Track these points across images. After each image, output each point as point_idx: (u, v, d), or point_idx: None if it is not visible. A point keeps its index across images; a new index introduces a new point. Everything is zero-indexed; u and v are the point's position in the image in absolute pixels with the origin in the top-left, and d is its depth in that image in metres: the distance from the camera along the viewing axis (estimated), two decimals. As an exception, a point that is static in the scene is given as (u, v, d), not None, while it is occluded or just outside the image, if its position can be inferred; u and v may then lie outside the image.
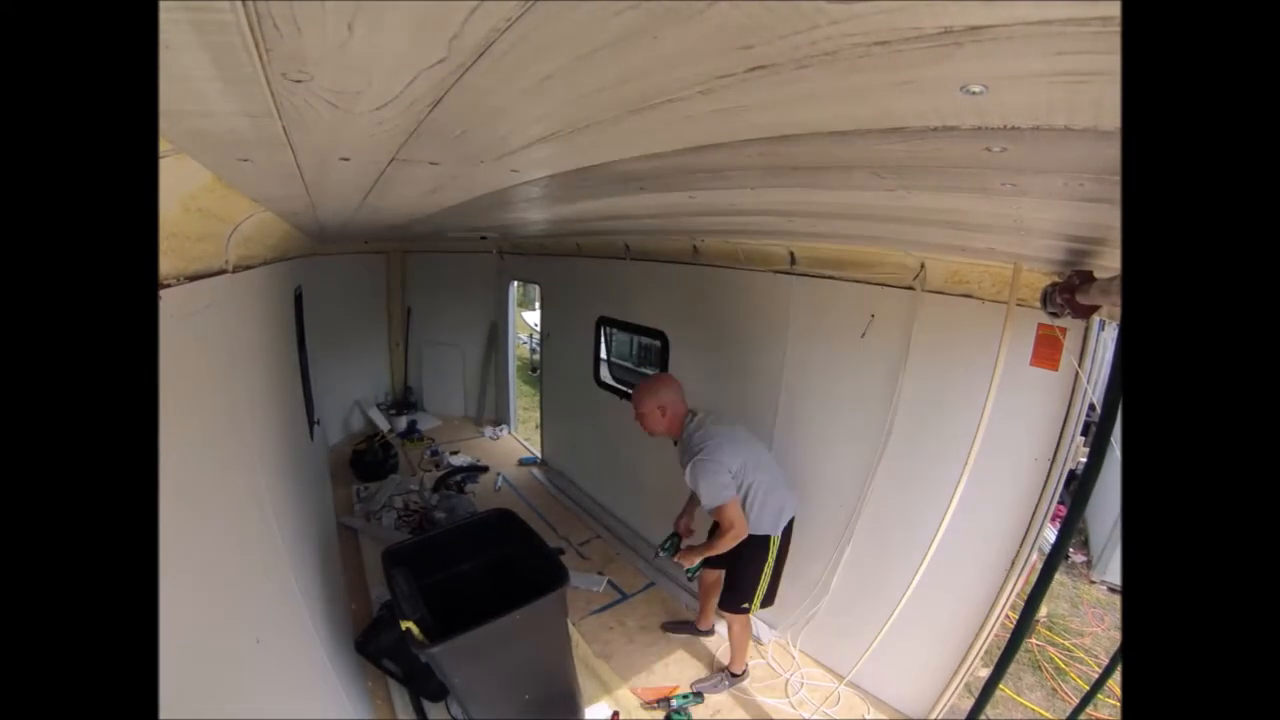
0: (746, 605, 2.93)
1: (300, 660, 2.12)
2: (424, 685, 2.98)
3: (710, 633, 3.56)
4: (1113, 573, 5.37)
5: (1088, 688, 2.35)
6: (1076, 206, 1.11)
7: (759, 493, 2.76)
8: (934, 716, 2.82)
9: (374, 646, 3.15)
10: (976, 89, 0.54)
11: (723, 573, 3.10)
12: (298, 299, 4.00)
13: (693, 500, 3.13)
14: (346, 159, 1.12)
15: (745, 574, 2.90)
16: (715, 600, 3.29)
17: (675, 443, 2.93)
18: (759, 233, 2.82)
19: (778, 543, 2.86)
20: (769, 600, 2.98)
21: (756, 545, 2.81)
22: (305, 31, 0.49)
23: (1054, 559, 2.14)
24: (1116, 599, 5.14)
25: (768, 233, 2.76)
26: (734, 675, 3.22)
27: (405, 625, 2.23)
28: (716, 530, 2.83)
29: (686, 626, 3.65)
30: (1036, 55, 0.46)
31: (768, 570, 2.88)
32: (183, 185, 1.12)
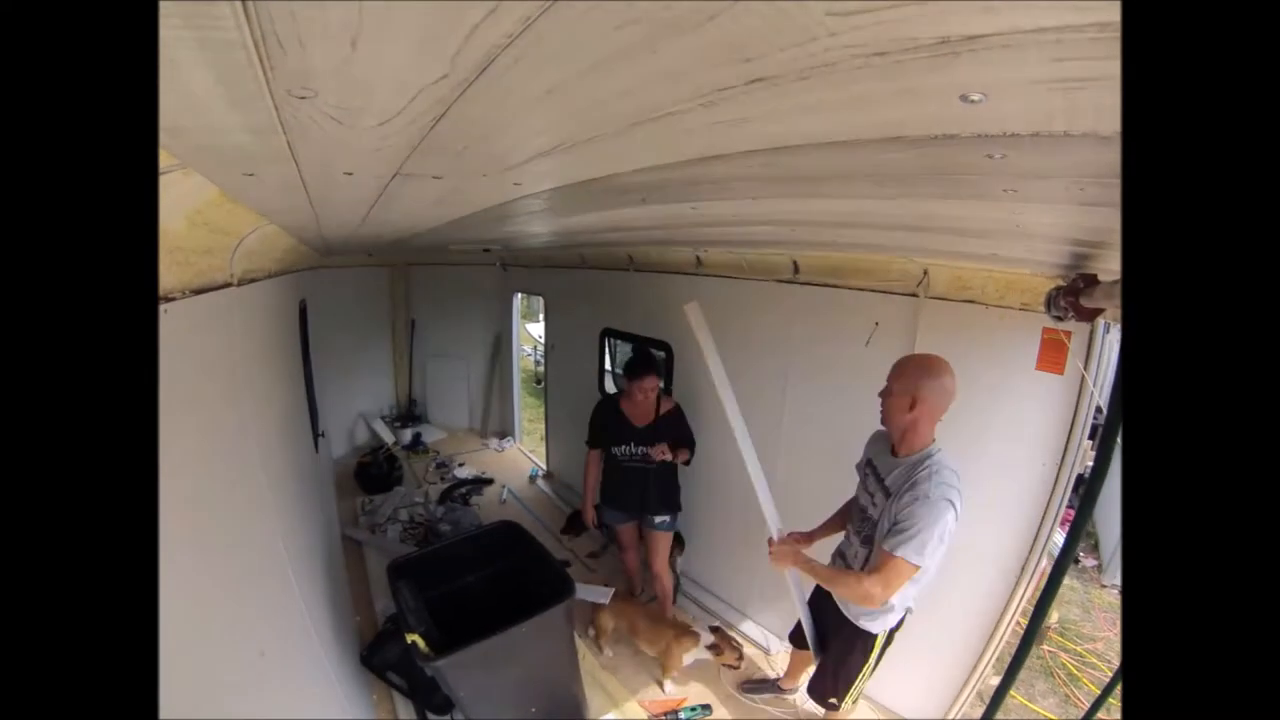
0: (835, 701, 2.49)
1: (305, 673, 2.11)
2: (429, 698, 2.97)
3: (795, 691, 3.14)
4: (1124, 578, 5.33)
5: (1100, 692, 2.32)
6: (1078, 210, 1.11)
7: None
8: (944, 725, 2.80)
9: (379, 659, 3.15)
10: (976, 97, 0.55)
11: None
12: (302, 312, 4.02)
13: (840, 520, 2.56)
14: (350, 174, 1.13)
15: (844, 663, 2.43)
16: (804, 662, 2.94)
17: (893, 451, 2.18)
18: (762, 243, 2.83)
19: (883, 641, 2.35)
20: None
21: (865, 640, 2.34)
22: (309, 48, 0.50)
23: (1062, 563, 2.12)
24: (1128, 602, 5.10)
25: (771, 243, 2.77)
26: None
27: (410, 638, 2.23)
28: (864, 568, 2.16)
29: (768, 685, 3.23)
30: (1034, 62, 0.47)
31: (868, 670, 2.40)
32: (188, 200, 1.13)
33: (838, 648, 2.45)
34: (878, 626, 2.29)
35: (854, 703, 2.50)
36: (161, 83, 0.53)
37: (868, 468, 2.32)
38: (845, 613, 2.36)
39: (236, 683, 1.43)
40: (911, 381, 2.03)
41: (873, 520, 2.16)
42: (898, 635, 2.36)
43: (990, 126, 0.64)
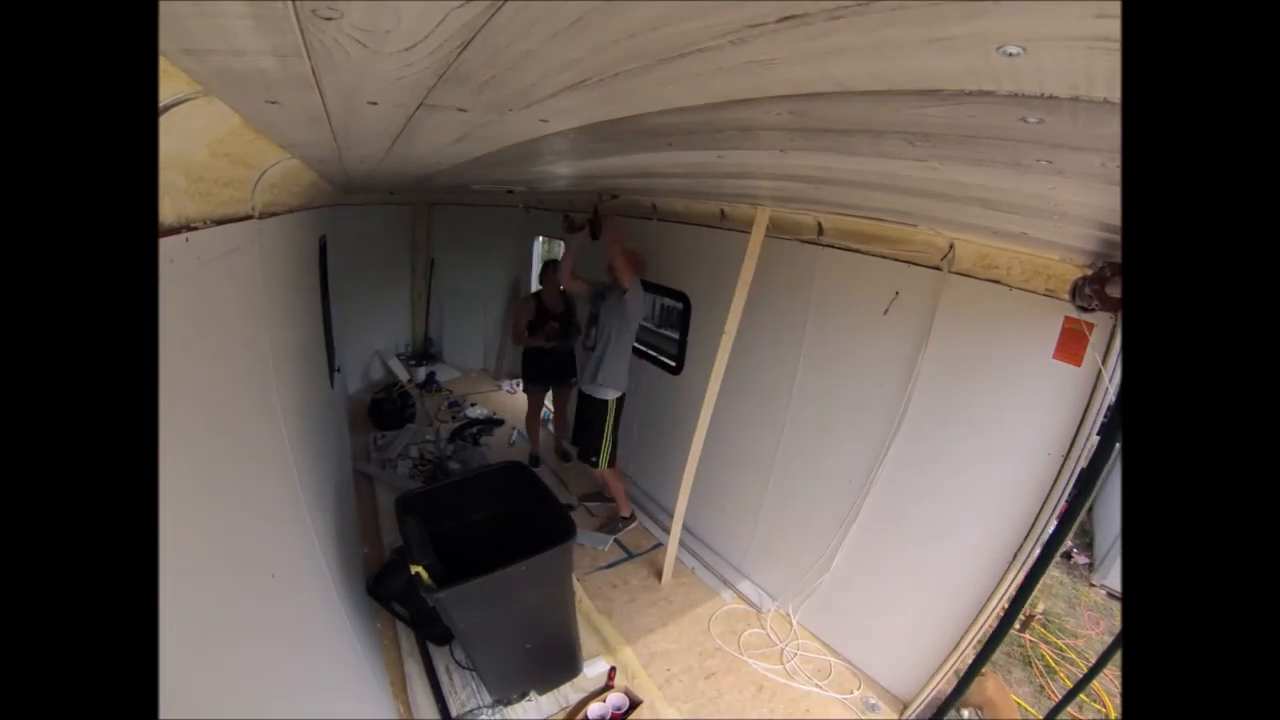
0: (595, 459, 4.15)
1: (313, 598, 2.19)
2: (430, 629, 3.08)
3: (613, 500, 4.46)
4: (1114, 578, 5.33)
5: (1072, 686, 2.36)
6: (1114, 191, 1.08)
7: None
8: (921, 698, 2.87)
9: (384, 589, 3.27)
10: (1014, 50, 0.53)
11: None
12: (322, 248, 4.04)
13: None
14: (374, 103, 1.11)
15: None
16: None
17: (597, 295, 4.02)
18: (788, 200, 2.78)
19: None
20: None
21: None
22: (335, -38, 0.49)
23: (1050, 549, 2.13)
24: (1114, 604, 5.13)
25: (796, 200, 2.72)
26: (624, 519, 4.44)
27: (415, 570, 2.29)
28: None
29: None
30: (1075, 15, 0.45)
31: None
32: (211, 129, 1.13)
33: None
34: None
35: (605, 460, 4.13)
36: (187, 2, 0.53)
37: None
38: None
39: (248, 601, 1.48)
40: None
41: None
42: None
43: (1027, 85, 0.62)
